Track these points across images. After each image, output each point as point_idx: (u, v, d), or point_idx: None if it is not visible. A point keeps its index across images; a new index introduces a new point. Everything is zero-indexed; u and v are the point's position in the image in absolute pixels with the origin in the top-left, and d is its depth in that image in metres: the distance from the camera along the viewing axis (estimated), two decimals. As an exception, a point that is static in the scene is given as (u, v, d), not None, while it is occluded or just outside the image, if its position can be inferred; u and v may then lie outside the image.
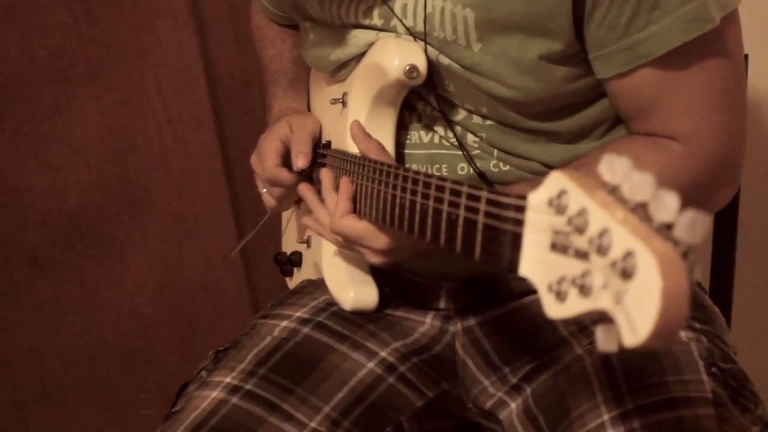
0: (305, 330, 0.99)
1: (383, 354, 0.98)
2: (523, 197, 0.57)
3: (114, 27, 1.40)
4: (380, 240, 0.87)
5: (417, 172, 0.76)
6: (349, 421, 0.94)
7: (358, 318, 1.01)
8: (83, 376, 1.53)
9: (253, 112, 1.46)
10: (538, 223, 0.55)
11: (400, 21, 0.93)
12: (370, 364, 0.97)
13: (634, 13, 0.82)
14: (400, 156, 0.98)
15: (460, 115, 0.95)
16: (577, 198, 0.52)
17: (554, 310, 0.53)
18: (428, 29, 0.91)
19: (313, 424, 0.92)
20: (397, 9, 0.92)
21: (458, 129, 0.96)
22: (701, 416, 0.81)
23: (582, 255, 0.50)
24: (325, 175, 0.95)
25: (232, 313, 1.55)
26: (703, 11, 0.81)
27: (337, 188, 0.92)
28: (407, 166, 0.97)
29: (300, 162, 1.03)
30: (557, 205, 0.53)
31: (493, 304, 1.01)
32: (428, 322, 1.02)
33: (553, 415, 0.88)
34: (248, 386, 0.94)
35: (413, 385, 0.98)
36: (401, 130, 0.98)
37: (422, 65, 0.90)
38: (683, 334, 0.89)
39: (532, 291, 0.96)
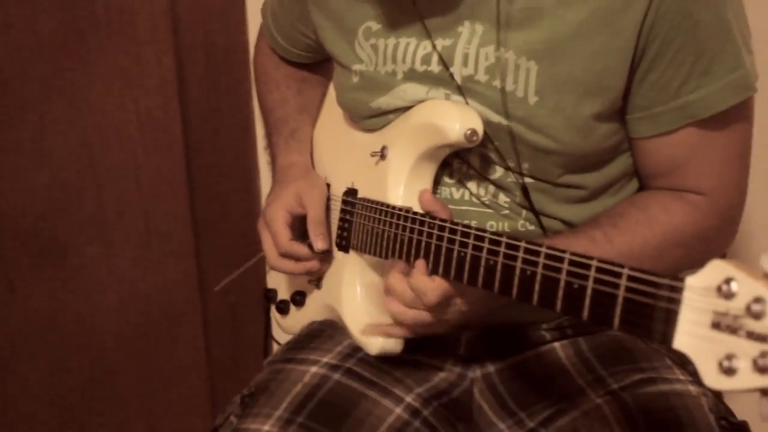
0: (336, 376, 1.01)
1: (408, 399, 1.02)
2: (680, 278, 0.63)
3: (99, 46, 1.37)
4: (467, 297, 0.89)
5: (510, 236, 0.80)
6: (382, 465, 0.97)
7: (383, 363, 1.04)
8: (36, 400, 1.48)
9: (217, 136, 1.49)
10: (696, 304, 0.62)
11: (459, 70, 0.95)
12: (398, 410, 1.01)
13: (687, 77, 0.90)
14: None
15: (497, 173, 0.99)
16: (751, 287, 0.59)
17: (719, 382, 0.59)
18: (488, 78, 0.94)
19: (351, 470, 0.94)
20: (458, 57, 0.95)
21: (491, 188, 1.01)
22: None
23: (759, 337, 0.58)
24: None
25: (186, 342, 1.54)
26: (746, 80, 0.91)
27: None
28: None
29: (320, 244, 1.08)
30: (725, 292, 0.60)
31: (510, 353, 1.06)
32: (448, 367, 1.07)
33: None
34: None
35: (435, 429, 1.02)
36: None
37: (481, 130, 0.94)
38: (692, 389, 0.96)
39: (547, 341, 1.06)
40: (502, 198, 1.01)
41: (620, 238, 0.93)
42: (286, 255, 1.10)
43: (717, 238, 0.99)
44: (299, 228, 1.11)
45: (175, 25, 1.41)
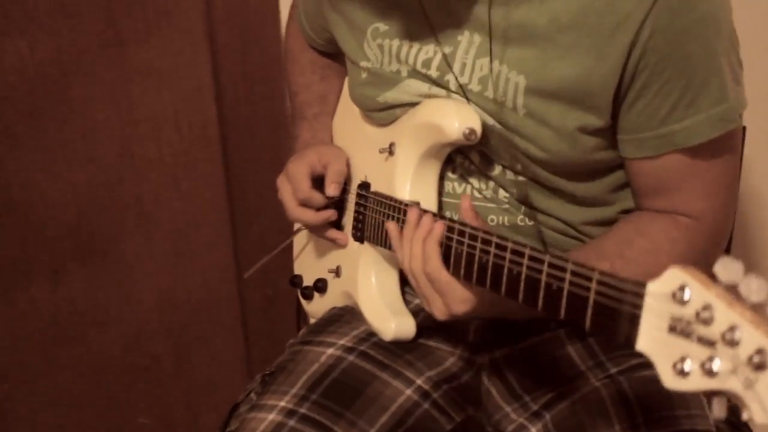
0: (350, 358, 1.08)
1: (419, 382, 1.09)
2: (642, 284, 0.68)
3: (136, 48, 1.44)
4: (462, 294, 0.92)
5: (512, 240, 0.83)
6: (391, 443, 1.04)
7: (396, 348, 1.10)
8: (82, 384, 1.58)
9: (255, 139, 1.57)
10: (655, 309, 0.67)
11: (456, 78, 1.00)
12: (408, 391, 1.07)
13: (673, 107, 0.93)
14: (438, 204, 1.08)
15: (496, 171, 1.05)
16: (700, 294, 0.63)
17: (674, 383, 0.64)
18: (481, 89, 0.99)
19: (361, 447, 1.01)
20: (456, 66, 1.00)
21: (491, 183, 1.06)
22: None
23: (707, 342, 0.62)
24: (415, 215, 0.96)
25: (225, 329, 1.63)
26: (731, 113, 0.94)
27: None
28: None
29: (332, 191, 1.15)
30: (679, 298, 0.65)
31: (516, 340, 1.12)
32: (458, 353, 1.13)
33: None
34: (303, 410, 1.02)
35: (444, 411, 1.09)
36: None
37: (479, 129, 0.99)
38: None
39: (550, 328, 1.12)
40: (502, 193, 1.06)
41: (626, 270, 0.93)
42: (304, 203, 1.16)
43: (707, 258, 0.98)
44: (318, 188, 1.17)
45: (211, 27, 1.48)
